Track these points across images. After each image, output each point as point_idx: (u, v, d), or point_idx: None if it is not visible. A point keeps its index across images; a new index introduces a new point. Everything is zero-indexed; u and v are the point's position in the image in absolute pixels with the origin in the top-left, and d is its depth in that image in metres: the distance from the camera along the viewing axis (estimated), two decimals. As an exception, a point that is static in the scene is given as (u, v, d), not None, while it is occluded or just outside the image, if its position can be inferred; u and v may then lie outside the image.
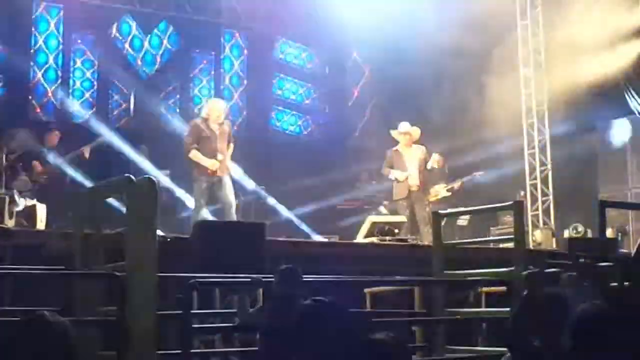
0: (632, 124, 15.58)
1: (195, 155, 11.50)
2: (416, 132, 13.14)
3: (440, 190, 13.46)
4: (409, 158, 12.93)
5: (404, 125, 13.17)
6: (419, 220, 12.65)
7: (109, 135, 13.85)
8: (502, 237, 14.10)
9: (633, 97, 15.25)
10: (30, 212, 10.65)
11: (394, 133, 13.17)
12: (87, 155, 13.03)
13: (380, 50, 19.65)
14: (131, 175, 5.70)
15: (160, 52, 18.43)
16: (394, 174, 12.90)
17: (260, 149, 17.30)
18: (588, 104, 15.31)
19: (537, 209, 16.50)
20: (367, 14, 17.45)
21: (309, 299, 4.33)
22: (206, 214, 11.43)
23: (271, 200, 15.71)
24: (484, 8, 16.42)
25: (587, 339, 4.36)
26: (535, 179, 16.65)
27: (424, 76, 18.17)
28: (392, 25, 16.86)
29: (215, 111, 11.76)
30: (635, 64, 15.04)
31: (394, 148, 13.09)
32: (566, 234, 15.01)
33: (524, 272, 6.47)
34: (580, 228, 14.79)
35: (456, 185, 14.13)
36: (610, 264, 7.23)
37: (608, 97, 15.19)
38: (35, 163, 12.82)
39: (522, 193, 16.48)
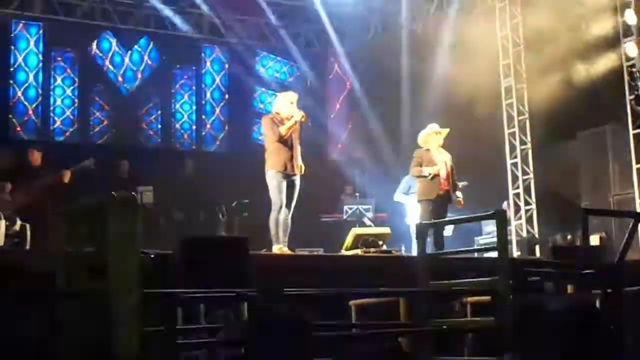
0: (613, 132, 15.64)
1: None
2: (445, 132, 12.35)
3: (460, 197, 12.45)
4: (439, 161, 12.08)
5: (435, 126, 12.34)
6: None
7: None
8: (486, 246, 14.17)
9: (613, 105, 15.32)
10: (22, 232, 10.60)
11: (423, 134, 12.30)
12: (66, 179, 12.91)
13: (362, 62, 19.81)
14: (112, 193, 5.69)
15: (141, 68, 18.46)
16: (425, 170, 11.92)
17: (243, 163, 17.30)
18: (569, 112, 15.36)
19: (520, 218, 16.55)
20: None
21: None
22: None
23: (254, 214, 15.71)
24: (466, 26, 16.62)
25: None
26: (517, 188, 16.71)
27: (405, 87, 18.35)
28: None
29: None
30: (615, 72, 15.11)
31: (424, 148, 12.24)
32: (558, 239, 15.07)
33: (508, 282, 6.49)
34: (569, 236, 14.84)
35: (461, 184, 13.65)
36: (594, 271, 7.25)
37: (589, 105, 15.25)
38: (6, 185, 12.70)
39: (505, 203, 16.53)
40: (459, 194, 12.34)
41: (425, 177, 11.94)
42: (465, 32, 16.82)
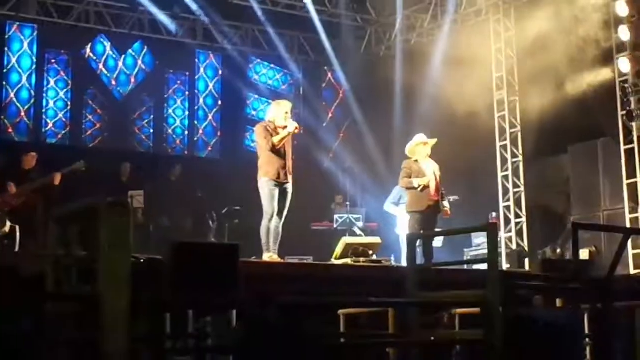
0: (604, 147, 15.69)
1: None
2: (433, 143, 12.34)
3: (447, 207, 12.41)
4: (428, 171, 12.07)
5: (422, 136, 12.35)
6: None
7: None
8: (476, 258, 14.18)
9: (605, 120, 15.37)
10: (11, 234, 10.59)
11: (411, 145, 12.29)
12: (57, 181, 12.88)
13: (356, 71, 19.86)
14: (104, 197, 5.68)
15: (135, 72, 18.44)
16: (415, 181, 11.89)
17: (235, 169, 17.30)
18: (560, 126, 15.40)
19: (510, 231, 16.57)
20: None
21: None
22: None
23: (244, 221, 15.70)
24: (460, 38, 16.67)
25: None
26: (508, 201, 16.73)
27: (398, 97, 18.39)
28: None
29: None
30: (607, 87, 15.15)
31: (412, 159, 12.22)
32: (548, 252, 15.09)
33: (498, 294, 6.49)
34: (558, 250, 14.86)
35: (452, 198, 13.67)
36: (584, 286, 7.26)
37: (581, 119, 15.30)
38: (10, 185, 12.70)
39: (493, 215, 16.54)
40: (445, 203, 12.34)
41: (415, 188, 11.95)
42: (459, 44, 16.89)
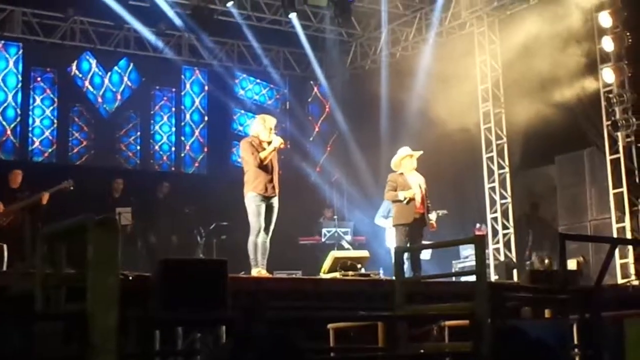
0: (590, 157, 15.74)
1: None
2: (418, 155, 12.33)
3: (434, 219, 12.49)
4: (413, 184, 12.07)
5: (407, 149, 12.35)
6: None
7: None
8: (464, 270, 14.21)
9: (590, 130, 15.43)
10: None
11: (396, 159, 12.30)
12: (45, 200, 12.87)
13: (342, 85, 19.92)
14: (91, 215, 5.68)
15: (121, 89, 18.44)
16: (400, 194, 11.92)
17: (221, 185, 17.30)
18: (547, 137, 15.46)
19: (497, 242, 16.59)
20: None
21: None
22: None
23: (232, 237, 15.71)
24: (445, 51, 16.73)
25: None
26: (495, 212, 16.75)
27: (384, 110, 18.43)
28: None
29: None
30: (592, 98, 15.22)
31: (398, 172, 12.23)
32: (536, 263, 15.10)
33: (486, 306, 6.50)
34: (546, 260, 14.88)
35: (440, 212, 13.71)
36: (571, 296, 7.28)
37: (567, 129, 15.35)
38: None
39: (477, 226, 16.56)
40: (432, 216, 12.38)
41: (400, 201, 11.98)
42: (444, 57, 16.95)
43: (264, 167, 10.61)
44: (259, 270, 10.43)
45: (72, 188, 13.28)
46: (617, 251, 13.10)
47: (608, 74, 14.90)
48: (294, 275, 13.91)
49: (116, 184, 15.87)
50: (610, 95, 14.81)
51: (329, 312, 8.21)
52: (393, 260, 7.99)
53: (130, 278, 7.88)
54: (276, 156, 10.88)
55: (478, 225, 16.63)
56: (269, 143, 10.71)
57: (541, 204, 16.85)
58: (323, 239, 16.65)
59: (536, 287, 8.43)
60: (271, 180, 10.64)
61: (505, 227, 16.66)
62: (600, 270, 7.21)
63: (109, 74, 18.38)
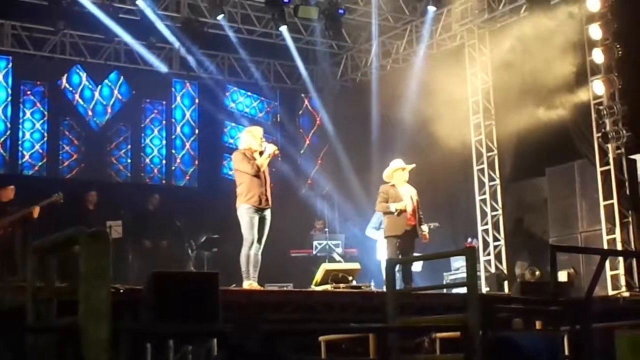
0: (581, 169, 15.77)
1: None
2: (410, 168, 12.40)
3: (425, 231, 12.42)
4: (405, 196, 12.13)
5: (400, 162, 12.40)
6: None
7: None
8: (455, 282, 14.22)
9: (581, 142, 15.47)
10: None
11: (388, 171, 12.34)
12: (35, 214, 12.87)
13: (332, 98, 19.96)
14: (82, 228, 5.69)
15: (111, 102, 18.45)
16: (392, 206, 11.97)
17: (212, 198, 17.30)
18: (537, 149, 15.50)
19: (489, 254, 16.60)
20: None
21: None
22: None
23: (223, 250, 15.72)
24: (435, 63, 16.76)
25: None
26: (486, 224, 16.78)
27: (375, 123, 18.46)
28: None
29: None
30: (582, 109, 15.27)
31: (390, 184, 12.28)
32: (526, 275, 15.11)
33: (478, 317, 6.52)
34: (537, 272, 14.89)
35: (432, 225, 13.72)
36: (562, 307, 7.31)
37: (557, 141, 15.39)
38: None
39: (469, 240, 16.57)
40: (424, 227, 12.40)
41: (391, 213, 12.01)
42: (435, 69, 16.98)
43: (257, 178, 10.64)
44: (250, 283, 10.44)
45: (62, 201, 13.27)
46: (607, 263, 13.13)
47: (598, 86, 14.95)
48: (285, 288, 13.91)
49: (90, 196, 15.80)
50: (601, 107, 14.86)
51: (321, 325, 8.22)
52: (384, 272, 8.01)
53: (122, 291, 7.89)
54: (268, 169, 10.92)
55: (470, 239, 16.64)
56: (261, 153, 10.76)
57: (531, 215, 16.88)
58: (314, 252, 16.65)
59: (527, 299, 8.47)
60: (264, 192, 10.68)
61: (496, 238, 16.67)
62: (591, 282, 7.23)
63: (99, 87, 18.38)
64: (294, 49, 18.88)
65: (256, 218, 10.57)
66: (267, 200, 10.68)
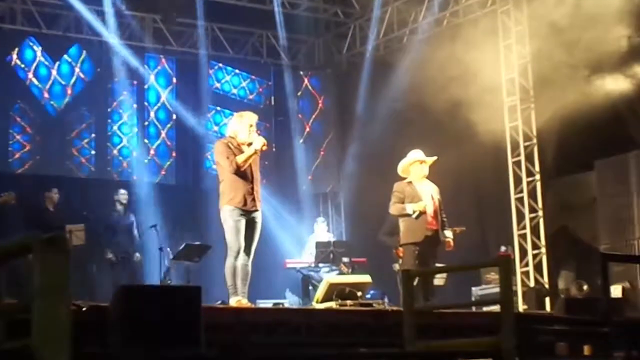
0: (636, 161, 15.75)
1: None
2: (431, 161, 12.31)
3: (450, 237, 12.27)
4: (424, 194, 12.04)
5: (419, 153, 12.29)
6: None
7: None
8: (486, 299, 14.23)
9: (637, 129, 15.47)
10: None
11: (404, 163, 12.27)
12: None
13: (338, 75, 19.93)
14: (37, 233, 5.69)
15: (72, 82, 18.44)
16: (409, 207, 11.85)
17: (193, 196, 17.33)
18: (585, 137, 15.49)
19: (527, 265, 16.58)
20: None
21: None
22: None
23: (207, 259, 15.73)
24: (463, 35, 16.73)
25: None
26: (524, 228, 16.75)
27: (390, 108, 18.43)
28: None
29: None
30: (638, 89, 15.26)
31: (406, 180, 12.20)
32: (572, 289, 15.14)
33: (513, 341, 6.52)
34: (585, 286, 14.91)
35: (458, 229, 13.66)
36: (616, 329, 7.30)
37: (609, 129, 15.38)
38: None
39: (503, 248, 16.52)
40: (448, 233, 12.31)
41: (408, 215, 11.94)
42: (460, 42, 16.94)
43: (242, 174, 10.57)
44: (238, 300, 10.43)
45: (14, 201, 13.29)
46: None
47: (659, 63, 14.97)
48: (280, 306, 13.93)
49: (50, 194, 15.67)
50: (661, 89, 14.87)
51: (324, 350, 8.23)
52: (400, 287, 8.01)
53: (84, 309, 7.88)
54: (258, 162, 10.84)
55: (504, 247, 16.60)
56: (249, 145, 10.67)
57: (578, 218, 16.88)
58: (315, 261, 16.65)
59: (573, 319, 8.46)
60: (251, 191, 10.60)
61: (535, 246, 16.66)
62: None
63: (57, 63, 18.37)
64: (290, 18, 18.88)
65: (242, 222, 10.51)
66: (254, 200, 10.59)
